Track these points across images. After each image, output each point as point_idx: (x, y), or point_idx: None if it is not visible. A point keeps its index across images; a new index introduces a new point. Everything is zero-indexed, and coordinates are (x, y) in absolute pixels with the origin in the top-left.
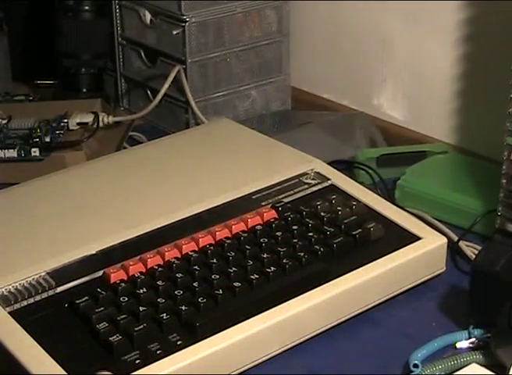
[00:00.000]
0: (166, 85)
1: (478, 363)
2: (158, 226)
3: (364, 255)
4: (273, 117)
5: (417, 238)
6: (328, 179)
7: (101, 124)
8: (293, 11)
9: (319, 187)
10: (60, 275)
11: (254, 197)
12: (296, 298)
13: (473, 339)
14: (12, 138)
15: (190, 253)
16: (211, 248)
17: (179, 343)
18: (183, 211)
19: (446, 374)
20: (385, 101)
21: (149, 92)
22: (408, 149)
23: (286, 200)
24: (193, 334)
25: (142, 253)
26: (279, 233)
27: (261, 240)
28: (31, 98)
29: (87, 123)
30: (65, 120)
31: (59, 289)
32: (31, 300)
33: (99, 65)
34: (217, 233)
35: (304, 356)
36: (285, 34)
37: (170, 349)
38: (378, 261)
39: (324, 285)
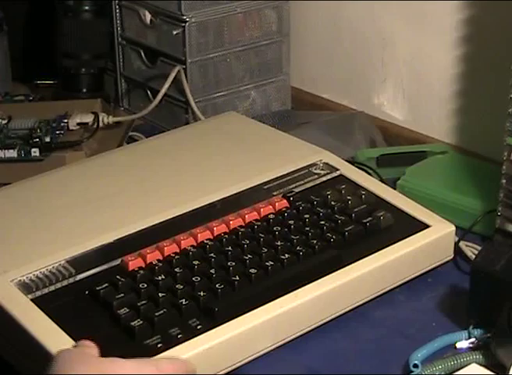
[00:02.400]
0: (166, 85)
1: (478, 363)
2: (173, 215)
3: (375, 242)
4: (273, 117)
5: (426, 226)
6: (337, 169)
7: (101, 124)
8: (293, 11)
9: (328, 177)
10: (79, 263)
11: (265, 187)
12: (310, 284)
13: (473, 339)
14: (12, 138)
15: (205, 241)
16: (226, 236)
17: (199, 327)
18: (197, 201)
19: (446, 374)
20: (385, 101)
21: (149, 92)
22: (408, 149)
23: (296, 190)
24: (213, 319)
25: (158, 242)
26: (291, 222)
27: (274, 228)
28: (31, 98)
29: (87, 123)
30: (65, 120)
31: (79, 277)
32: (52, 287)
33: (99, 65)
34: (231, 222)
35: (304, 356)
36: (285, 34)
37: (191, 333)
38: (389, 248)
39: (337, 271)
